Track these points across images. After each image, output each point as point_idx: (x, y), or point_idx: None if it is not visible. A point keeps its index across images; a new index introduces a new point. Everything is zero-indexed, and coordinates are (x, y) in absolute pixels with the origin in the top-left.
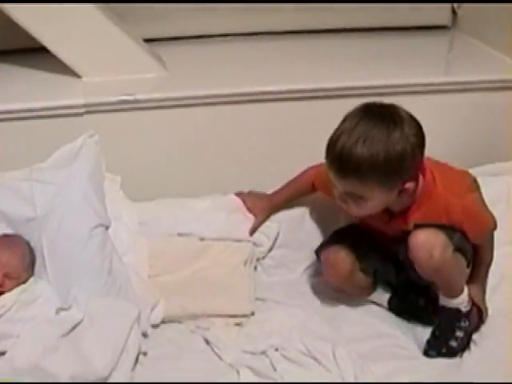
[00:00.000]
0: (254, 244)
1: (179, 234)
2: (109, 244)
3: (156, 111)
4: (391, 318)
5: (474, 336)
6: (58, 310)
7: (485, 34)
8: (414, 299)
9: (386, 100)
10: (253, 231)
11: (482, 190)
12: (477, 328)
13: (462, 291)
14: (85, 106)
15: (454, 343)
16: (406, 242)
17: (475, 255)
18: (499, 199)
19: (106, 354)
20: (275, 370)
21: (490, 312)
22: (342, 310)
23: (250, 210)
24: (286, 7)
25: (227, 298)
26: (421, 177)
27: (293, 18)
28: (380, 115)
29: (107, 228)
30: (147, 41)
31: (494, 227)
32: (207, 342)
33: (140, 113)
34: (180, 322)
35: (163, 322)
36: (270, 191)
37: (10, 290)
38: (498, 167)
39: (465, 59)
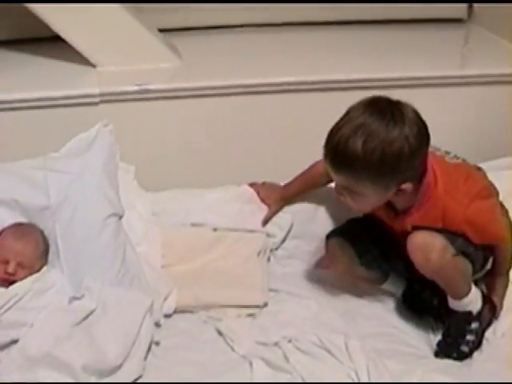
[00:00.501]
0: (268, 235)
1: (192, 224)
2: (122, 233)
3: (171, 101)
4: (405, 313)
5: (487, 333)
6: (71, 299)
7: (501, 28)
8: (429, 298)
9: (401, 93)
10: (266, 222)
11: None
12: (489, 324)
13: (468, 292)
14: (100, 95)
15: (465, 348)
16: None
17: (495, 251)
18: (510, 193)
19: (118, 343)
20: (288, 361)
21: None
22: (356, 303)
23: (263, 200)
24: None
25: (240, 289)
26: (423, 178)
27: (308, 10)
28: (382, 111)
29: (121, 217)
30: (163, 31)
31: (507, 239)
32: (220, 332)
33: (155, 103)
34: (192, 313)
35: (176, 312)
36: (283, 182)
37: (24, 278)
38: None
39: (480, 52)
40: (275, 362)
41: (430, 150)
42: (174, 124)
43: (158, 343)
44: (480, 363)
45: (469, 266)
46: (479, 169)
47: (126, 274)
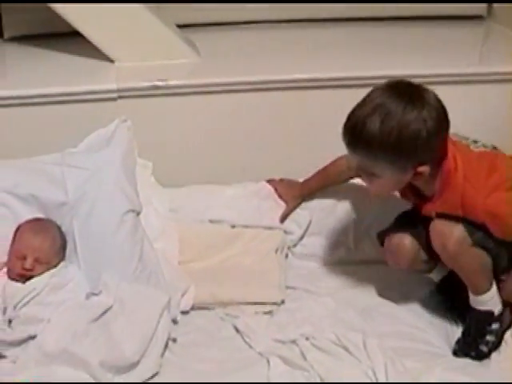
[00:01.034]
0: (285, 232)
1: (210, 221)
2: (140, 230)
3: (188, 97)
4: (424, 312)
5: (506, 335)
6: (88, 295)
7: None
8: (462, 292)
9: None
10: (283, 218)
11: None
12: (509, 326)
13: (488, 289)
14: (118, 91)
15: (484, 348)
16: None
17: None
18: None
19: (135, 339)
20: (305, 359)
21: None
22: (374, 301)
23: (281, 197)
24: None
25: (258, 286)
26: (444, 163)
27: (325, 7)
28: (402, 93)
29: (138, 214)
30: (181, 27)
31: None
32: (237, 329)
33: (173, 98)
34: (210, 309)
35: (193, 308)
36: (301, 179)
37: (41, 274)
38: None
39: (500, 50)
40: (292, 359)
41: (455, 138)
42: (192, 120)
43: (174, 340)
44: (498, 363)
45: (487, 260)
46: None
47: (144, 271)
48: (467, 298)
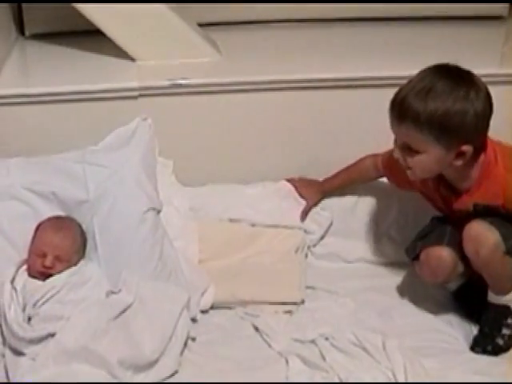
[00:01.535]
0: (306, 232)
1: (230, 220)
2: (160, 228)
3: (210, 96)
4: (443, 312)
5: None
6: (108, 293)
7: None
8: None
9: None
10: (304, 215)
11: None
12: None
13: (510, 290)
14: (139, 89)
15: (500, 341)
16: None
17: None
18: None
19: (155, 338)
20: (324, 359)
21: None
22: (393, 301)
23: (301, 195)
24: None
25: (277, 286)
26: (482, 154)
27: (347, 6)
28: (451, 74)
29: (159, 212)
30: (202, 25)
31: None
32: (256, 328)
33: (193, 97)
34: (229, 308)
35: (212, 307)
36: (320, 178)
37: (61, 272)
38: None
39: None
40: (311, 359)
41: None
42: (213, 119)
43: (194, 339)
44: None
45: None
46: None
47: (164, 269)
48: (484, 304)
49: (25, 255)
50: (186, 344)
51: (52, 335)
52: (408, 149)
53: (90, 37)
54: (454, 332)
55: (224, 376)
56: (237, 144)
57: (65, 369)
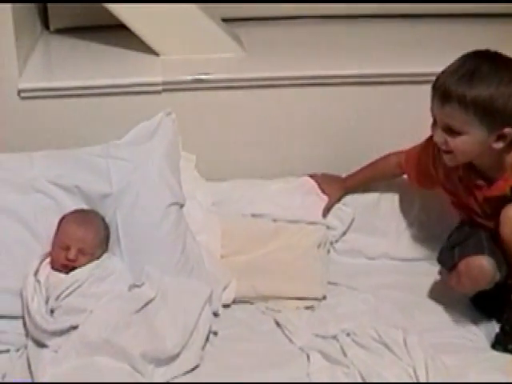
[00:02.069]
0: (328, 227)
1: (253, 215)
2: (183, 222)
3: (233, 91)
4: (464, 308)
5: None
6: (131, 287)
7: None
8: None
9: None
10: (326, 212)
11: None
12: None
13: None
14: (163, 83)
15: None
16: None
17: None
18: None
19: (177, 332)
20: (345, 355)
21: None
22: (415, 298)
23: (323, 191)
24: None
25: (299, 281)
26: None
27: (371, 3)
28: (494, 58)
29: (182, 206)
30: (226, 20)
31: None
32: (278, 324)
33: (217, 92)
34: (251, 303)
35: (234, 302)
36: (343, 174)
37: (84, 265)
38: None
39: None
40: (332, 355)
41: None
42: (236, 114)
43: (215, 333)
44: None
45: None
46: None
47: (186, 263)
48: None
49: (48, 248)
50: (207, 338)
51: (75, 328)
52: (449, 130)
53: (114, 31)
54: (475, 329)
55: (245, 371)
56: (259, 139)
57: (87, 361)
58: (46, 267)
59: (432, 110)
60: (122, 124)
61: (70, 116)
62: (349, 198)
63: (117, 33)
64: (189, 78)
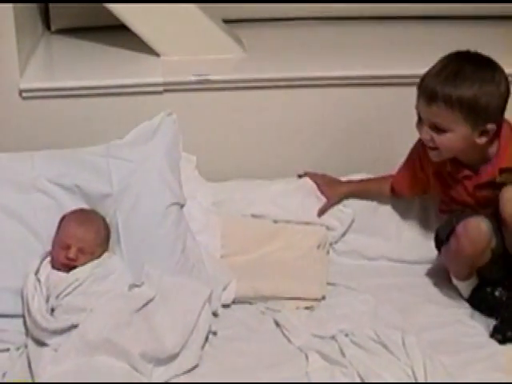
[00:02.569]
0: (328, 228)
1: (253, 216)
2: (183, 222)
3: (233, 92)
4: (463, 309)
5: None
6: (131, 286)
7: None
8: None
9: None
10: (321, 213)
11: None
12: None
13: None
14: (164, 84)
15: None
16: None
17: None
18: None
19: (176, 332)
20: (344, 355)
21: None
22: (414, 299)
23: (322, 192)
24: None
25: (299, 281)
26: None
27: (374, 4)
28: (476, 58)
29: (182, 207)
30: (227, 22)
31: None
32: (277, 324)
33: (217, 93)
34: (251, 303)
35: (234, 302)
36: (346, 177)
37: (84, 264)
38: None
39: None
40: (331, 355)
41: None
42: (237, 114)
43: (215, 333)
44: None
45: None
46: None
47: (186, 263)
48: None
49: (49, 247)
50: (207, 338)
51: (75, 327)
52: (436, 128)
53: (115, 32)
54: (473, 330)
55: (244, 371)
56: (260, 140)
57: (87, 360)
58: (46, 266)
59: (417, 108)
60: (122, 124)
61: (71, 116)
62: (348, 199)
63: (118, 33)
64: (190, 78)
